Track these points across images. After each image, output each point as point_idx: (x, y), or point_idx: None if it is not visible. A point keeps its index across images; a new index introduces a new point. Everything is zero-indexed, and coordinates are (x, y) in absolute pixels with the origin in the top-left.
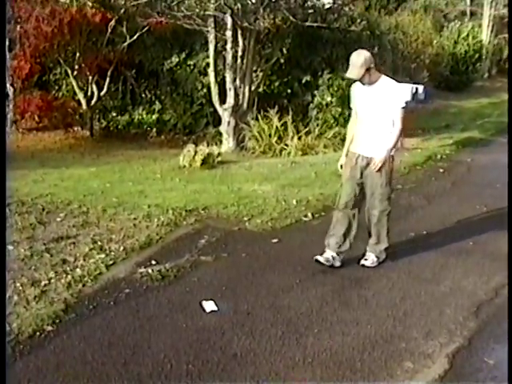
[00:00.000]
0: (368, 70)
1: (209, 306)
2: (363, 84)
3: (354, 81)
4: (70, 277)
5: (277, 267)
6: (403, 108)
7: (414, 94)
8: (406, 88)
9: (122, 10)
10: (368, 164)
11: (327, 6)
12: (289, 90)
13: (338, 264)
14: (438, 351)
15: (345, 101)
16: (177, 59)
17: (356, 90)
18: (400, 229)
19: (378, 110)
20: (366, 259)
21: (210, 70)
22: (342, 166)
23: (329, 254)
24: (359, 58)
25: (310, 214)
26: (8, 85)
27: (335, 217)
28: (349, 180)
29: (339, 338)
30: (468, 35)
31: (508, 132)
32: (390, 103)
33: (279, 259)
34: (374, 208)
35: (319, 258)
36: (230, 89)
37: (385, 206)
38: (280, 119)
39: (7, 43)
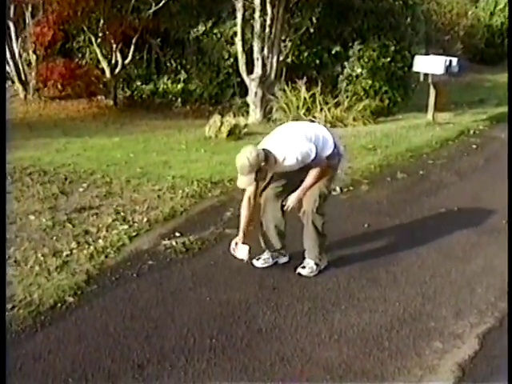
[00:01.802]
0: (259, 170)
1: (241, 251)
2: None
3: None
4: (92, 248)
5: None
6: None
7: (448, 67)
8: (437, 60)
9: None
10: None
11: None
12: (318, 61)
13: (283, 260)
14: (468, 332)
15: (376, 73)
16: (203, 27)
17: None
18: (430, 204)
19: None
20: (303, 267)
21: (238, 39)
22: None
23: (266, 255)
24: (243, 163)
25: (338, 189)
26: (30, 51)
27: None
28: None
29: (366, 316)
30: (505, 6)
31: (508, 131)
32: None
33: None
34: (307, 205)
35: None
36: (257, 58)
37: (316, 205)
38: (308, 90)
39: (30, 9)
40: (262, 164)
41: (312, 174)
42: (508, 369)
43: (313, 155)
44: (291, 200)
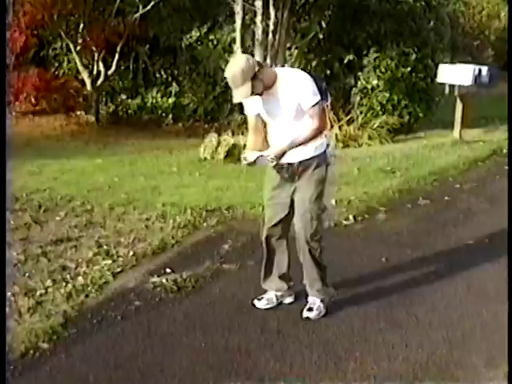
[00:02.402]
0: (254, 78)
1: (251, 156)
2: (258, 95)
3: None
4: (70, 286)
5: None
6: (316, 105)
7: (477, 77)
8: (465, 69)
9: None
10: (294, 173)
11: None
12: (328, 71)
13: (289, 300)
14: (502, 382)
15: (394, 85)
16: (197, 33)
17: (251, 104)
18: (458, 235)
19: (287, 116)
20: (309, 309)
21: (237, 47)
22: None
23: (270, 294)
24: (235, 72)
25: (351, 217)
26: None
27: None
28: (270, 201)
29: (385, 364)
30: None
31: (508, 136)
32: (299, 100)
33: None
34: (299, 233)
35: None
36: None
37: (311, 230)
38: None
39: None
40: (257, 69)
41: (309, 125)
42: (508, 369)
43: (318, 96)
44: (272, 151)
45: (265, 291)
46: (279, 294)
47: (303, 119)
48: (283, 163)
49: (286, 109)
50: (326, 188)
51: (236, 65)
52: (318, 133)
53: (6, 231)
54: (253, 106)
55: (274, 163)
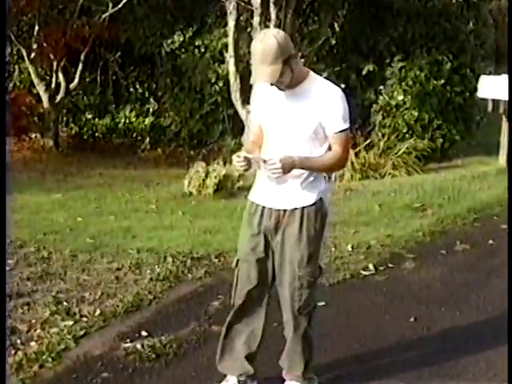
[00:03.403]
0: (287, 62)
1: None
2: (279, 89)
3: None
4: (20, 354)
5: (321, 348)
6: (344, 132)
7: None
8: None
9: None
10: (278, 223)
11: None
12: (342, 85)
13: None
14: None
15: (424, 101)
16: (181, 38)
17: (263, 97)
18: (504, 289)
19: (302, 131)
20: None
21: (229, 55)
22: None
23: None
24: (269, 46)
25: (371, 266)
26: None
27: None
28: (249, 255)
29: None
30: None
31: (508, 140)
32: (324, 121)
33: (326, 333)
34: (284, 304)
35: None
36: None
37: (300, 302)
38: None
39: None
40: (293, 52)
41: (332, 153)
42: (508, 369)
43: (348, 122)
44: (280, 158)
45: (223, 376)
46: (242, 379)
47: (319, 144)
48: (270, 207)
49: (304, 122)
50: (321, 246)
51: (271, 37)
52: (338, 166)
53: None
54: (263, 106)
55: (277, 175)
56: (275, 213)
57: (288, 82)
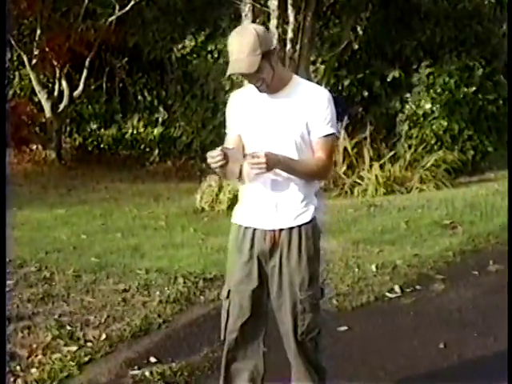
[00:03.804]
0: (266, 56)
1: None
2: (260, 91)
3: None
4: (20, 381)
5: (344, 375)
6: (329, 137)
7: None
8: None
9: None
10: (275, 244)
11: None
12: (366, 93)
13: None
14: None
15: (454, 109)
16: (192, 42)
17: (242, 104)
18: None
19: (287, 137)
20: None
21: None
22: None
23: None
24: (247, 37)
25: (397, 288)
26: None
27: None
28: (241, 284)
29: None
30: None
31: (508, 141)
32: (309, 124)
33: (349, 360)
34: (285, 330)
35: None
36: None
37: (303, 327)
38: (351, 138)
39: None
40: (272, 47)
41: (316, 158)
42: (508, 369)
43: (335, 127)
44: (267, 153)
45: None
46: None
47: (306, 151)
48: (263, 228)
49: (289, 127)
50: (321, 265)
51: (250, 28)
52: (320, 174)
53: None
54: (242, 114)
55: (259, 171)
56: (270, 234)
57: (269, 80)
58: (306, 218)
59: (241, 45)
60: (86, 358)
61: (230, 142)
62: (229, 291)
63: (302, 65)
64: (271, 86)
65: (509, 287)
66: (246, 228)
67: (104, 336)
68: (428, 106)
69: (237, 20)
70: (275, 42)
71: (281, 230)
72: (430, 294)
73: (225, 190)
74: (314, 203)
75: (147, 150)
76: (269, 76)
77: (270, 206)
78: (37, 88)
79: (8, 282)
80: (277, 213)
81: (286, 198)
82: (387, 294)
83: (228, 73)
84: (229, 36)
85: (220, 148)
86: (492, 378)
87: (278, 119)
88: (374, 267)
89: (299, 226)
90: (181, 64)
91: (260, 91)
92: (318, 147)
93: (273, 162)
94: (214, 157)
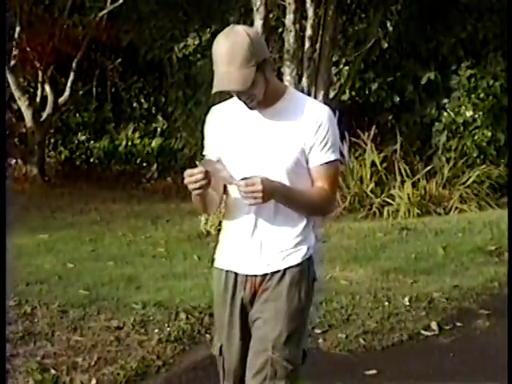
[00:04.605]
0: (261, 67)
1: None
2: (249, 108)
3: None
4: None
5: None
6: (334, 162)
7: None
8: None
9: None
10: (256, 293)
11: None
12: (397, 98)
13: None
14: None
15: (499, 117)
16: (196, 41)
17: (224, 122)
18: None
19: (279, 163)
20: None
21: None
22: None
23: None
24: (239, 43)
25: (434, 325)
26: None
27: None
28: (231, 339)
29: None
30: None
31: (508, 138)
32: (307, 149)
33: None
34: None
35: None
36: None
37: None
38: (380, 150)
39: None
40: (268, 56)
41: (317, 187)
42: (508, 369)
43: (337, 152)
44: (264, 179)
45: None
46: None
47: (301, 180)
48: (244, 273)
49: (282, 151)
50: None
51: (241, 32)
52: (323, 209)
53: None
54: (224, 134)
55: (254, 201)
56: (251, 280)
57: (261, 96)
58: (295, 259)
59: (231, 54)
60: None
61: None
62: (221, 347)
63: (322, 66)
64: (262, 101)
65: (509, 287)
66: (227, 273)
67: (94, 381)
68: (469, 113)
69: (247, 15)
70: (292, 40)
71: (264, 275)
72: (472, 332)
73: None
74: (309, 242)
75: (144, 164)
76: (262, 91)
77: (254, 246)
78: (16, 93)
79: None
80: (261, 254)
81: (274, 235)
82: (423, 331)
83: (214, 90)
84: (214, 41)
85: (201, 162)
86: None
87: (267, 140)
88: (406, 300)
89: (284, 270)
90: (183, 66)
91: (249, 108)
92: (318, 176)
93: (270, 191)
94: (192, 175)
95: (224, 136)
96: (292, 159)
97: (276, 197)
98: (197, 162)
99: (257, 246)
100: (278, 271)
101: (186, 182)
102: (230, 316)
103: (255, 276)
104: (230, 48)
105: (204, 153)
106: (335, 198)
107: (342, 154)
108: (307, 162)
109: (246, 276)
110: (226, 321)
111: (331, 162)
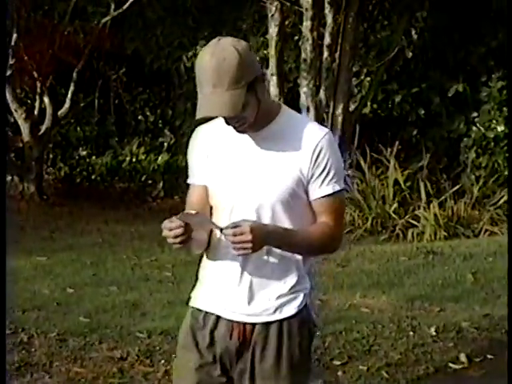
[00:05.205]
0: (252, 87)
1: None
2: (238, 131)
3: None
4: None
5: None
6: (339, 193)
7: None
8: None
9: None
10: (244, 343)
11: None
12: (422, 111)
13: None
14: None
15: None
16: None
17: (211, 146)
18: None
19: (273, 194)
20: None
21: (270, 72)
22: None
23: None
24: (227, 60)
25: (463, 357)
26: None
27: None
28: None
29: None
30: None
31: (507, 136)
32: (306, 179)
33: None
34: None
35: None
36: (307, 107)
37: None
38: (404, 167)
39: None
40: (259, 73)
41: (321, 223)
42: (508, 369)
43: (342, 181)
44: (253, 226)
45: None
46: None
47: (297, 214)
48: (230, 318)
49: (276, 180)
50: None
51: (229, 47)
52: (328, 247)
53: None
54: (211, 160)
55: (243, 252)
56: (238, 327)
57: (252, 119)
58: (292, 309)
59: (218, 73)
60: None
61: (192, 196)
62: None
63: (341, 77)
64: (253, 122)
65: (509, 283)
66: (205, 314)
67: None
68: (500, 128)
69: (261, 22)
70: (309, 48)
71: (254, 324)
72: (504, 366)
73: None
74: (306, 286)
75: (149, 182)
76: (253, 113)
77: (242, 288)
78: (12, 106)
79: None
80: (251, 298)
81: (266, 277)
82: (450, 364)
83: (199, 115)
84: (197, 57)
85: (179, 216)
86: None
87: (259, 169)
88: (433, 330)
89: (281, 322)
90: (191, 76)
91: (238, 132)
92: (322, 210)
93: (262, 239)
94: (171, 229)
95: (211, 162)
96: (287, 191)
97: (269, 243)
98: (173, 217)
99: (246, 288)
100: (273, 322)
101: (163, 235)
102: (204, 366)
103: (243, 323)
104: (216, 66)
105: (188, 181)
106: (341, 234)
107: (345, 181)
108: (307, 194)
109: (232, 322)
110: (194, 373)
111: (335, 193)
